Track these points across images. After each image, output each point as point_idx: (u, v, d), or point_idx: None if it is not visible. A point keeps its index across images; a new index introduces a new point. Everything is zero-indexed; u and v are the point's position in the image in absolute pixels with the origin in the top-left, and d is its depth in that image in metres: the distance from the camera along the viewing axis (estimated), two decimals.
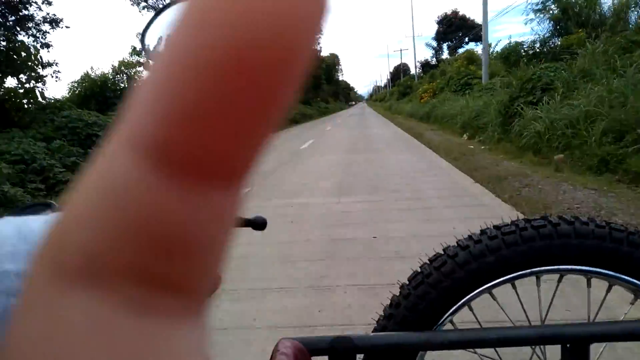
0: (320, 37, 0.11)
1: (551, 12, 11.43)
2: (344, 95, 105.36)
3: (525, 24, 12.06)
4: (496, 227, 0.80)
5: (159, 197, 0.10)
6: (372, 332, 0.82)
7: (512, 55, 11.80)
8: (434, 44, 58.67)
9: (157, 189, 0.10)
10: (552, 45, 11.19)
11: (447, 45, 56.03)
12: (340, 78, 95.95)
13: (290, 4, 0.10)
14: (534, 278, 0.80)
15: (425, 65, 55.43)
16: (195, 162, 0.10)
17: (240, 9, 0.10)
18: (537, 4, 11.50)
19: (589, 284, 0.80)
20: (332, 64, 70.59)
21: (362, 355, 0.81)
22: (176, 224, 0.10)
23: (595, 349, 0.74)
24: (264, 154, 0.11)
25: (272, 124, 0.11)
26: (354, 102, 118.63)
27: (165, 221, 0.10)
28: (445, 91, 17.18)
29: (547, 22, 11.50)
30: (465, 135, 9.67)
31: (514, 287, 0.81)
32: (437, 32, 57.50)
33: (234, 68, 0.10)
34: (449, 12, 56.11)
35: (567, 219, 0.77)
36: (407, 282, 0.83)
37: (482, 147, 7.80)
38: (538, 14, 11.60)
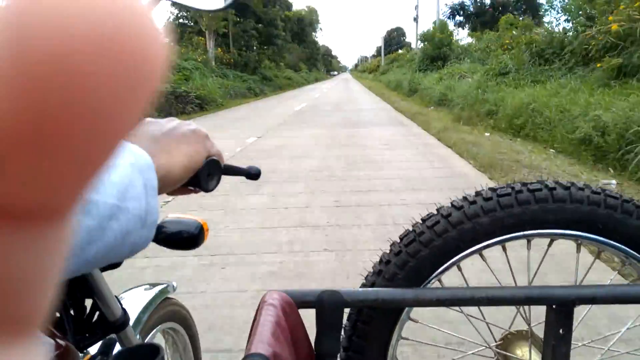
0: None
1: None
2: (324, 63, 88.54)
3: None
4: (492, 189, 0.79)
5: None
6: (361, 287, 0.82)
7: None
8: None
9: None
10: None
11: None
12: (320, 42, 74.94)
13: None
14: (524, 241, 0.80)
15: (457, 13, 30.24)
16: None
17: (59, 16, 0.08)
18: None
19: (578, 249, 0.80)
20: (307, 19, 51.21)
21: (349, 310, 0.81)
22: None
23: (579, 313, 0.74)
24: (93, 183, 0.10)
25: (104, 154, 0.09)
26: (336, 72, 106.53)
27: None
28: None
29: None
30: None
31: (504, 249, 0.81)
32: None
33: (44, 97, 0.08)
34: None
35: (564, 184, 0.77)
36: (399, 240, 0.82)
37: None
38: None
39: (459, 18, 29.21)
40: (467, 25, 24.57)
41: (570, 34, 9.61)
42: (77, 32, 0.08)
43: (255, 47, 27.72)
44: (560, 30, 10.34)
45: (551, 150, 5.91)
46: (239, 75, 21.48)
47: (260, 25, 28.04)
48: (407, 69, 22.09)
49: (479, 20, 27.41)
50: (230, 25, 23.95)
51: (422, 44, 19.27)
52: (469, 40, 19.41)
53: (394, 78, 23.04)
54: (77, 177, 0.09)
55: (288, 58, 39.36)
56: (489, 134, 7.33)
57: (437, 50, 17.83)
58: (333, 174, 4.79)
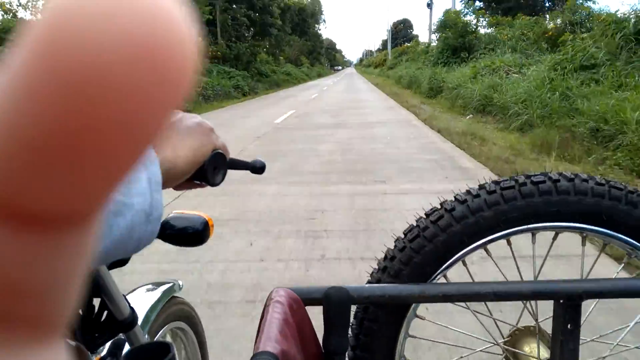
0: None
1: None
2: (328, 57, 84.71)
3: None
4: (495, 182, 0.79)
5: None
6: (367, 284, 0.82)
7: None
8: None
9: None
10: None
11: None
12: (324, 36, 71.37)
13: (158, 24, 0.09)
14: (529, 235, 0.80)
15: None
16: (29, 211, 0.10)
17: (97, 32, 0.08)
18: None
19: (583, 242, 0.80)
20: (309, 10, 46.86)
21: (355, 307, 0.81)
22: (8, 269, 0.10)
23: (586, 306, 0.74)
24: (117, 189, 0.10)
25: (130, 161, 0.10)
26: (340, 67, 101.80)
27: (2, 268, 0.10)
28: None
29: None
30: None
31: (508, 243, 0.81)
32: None
33: (82, 107, 0.09)
34: None
35: (567, 176, 0.76)
36: (403, 236, 0.82)
37: None
38: None
39: (478, 3, 23.85)
40: (487, 13, 20.21)
41: None
42: (111, 42, 0.08)
43: (248, 38, 23.57)
44: None
45: None
46: (226, 71, 18.15)
47: (253, 12, 23.77)
48: (421, 62, 18.71)
49: (500, 7, 23.65)
50: (218, 11, 20.17)
51: (437, 34, 16.31)
52: (487, 29, 15.41)
53: (405, 73, 19.51)
54: (104, 183, 0.10)
55: (288, 51, 36.13)
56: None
57: (461, 39, 14.28)
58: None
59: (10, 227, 0.10)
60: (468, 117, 8.39)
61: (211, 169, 0.54)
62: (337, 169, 4.77)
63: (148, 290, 1.02)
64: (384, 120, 8.99)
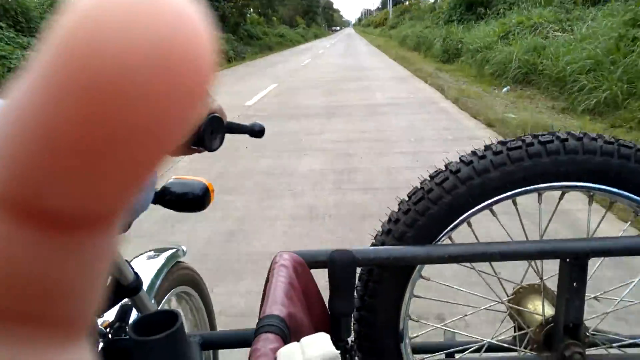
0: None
1: None
2: (325, 17, 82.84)
3: None
4: (501, 143, 0.78)
5: (15, 246, 0.10)
6: (370, 246, 0.82)
7: None
8: None
9: (13, 238, 0.10)
10: None
11: None
12: None
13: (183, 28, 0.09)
14: (535, 195, 0.79)
15: None
16: (55, 214, 0.10)
17: (121, 42, 0.09)
18: None
19: (590, 201, 0.79)
20: None
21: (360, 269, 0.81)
22: (37, 271, 0.10)
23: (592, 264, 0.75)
24: (139, 193, 0.10)
25: (153, 164, 0.10)
26: (338, 28, 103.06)
27: (23, 269, 0.10)
28: None
29: None
30: None
31: (514, 204, 0.80)
32: None
33: (109, 109, 0.09)
34: None
35: (576, 135, 0.75)
36: (407, 198, 0.81)
37: None
38: None
39: None
40: None
41: None
42: (135, 48, 0.08)
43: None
44: None
45: None
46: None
47: None
48: (428, 21, 16.42)
49: None
50: None
51: None
52: None
53: (411, 32, 16.91)
54: (128, 185, 0.10)
55: (282, 11, 34.05)
56: None
57: None
58: None
59: (37, 229, 0.10)
60: (504, 89, 6.44)
61: (208, 133, 0.52)
62: (320, 237, 2.37)
63: (151, 256, 1.02)
64: (397, 99, 6.29)
